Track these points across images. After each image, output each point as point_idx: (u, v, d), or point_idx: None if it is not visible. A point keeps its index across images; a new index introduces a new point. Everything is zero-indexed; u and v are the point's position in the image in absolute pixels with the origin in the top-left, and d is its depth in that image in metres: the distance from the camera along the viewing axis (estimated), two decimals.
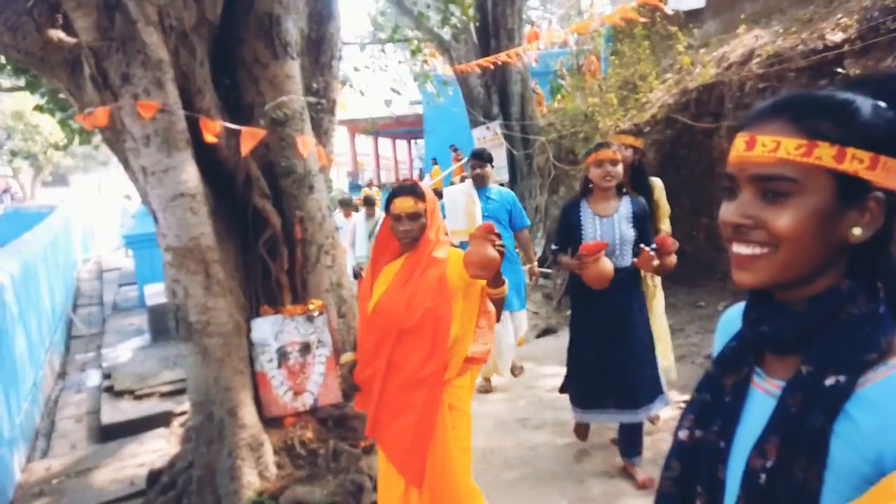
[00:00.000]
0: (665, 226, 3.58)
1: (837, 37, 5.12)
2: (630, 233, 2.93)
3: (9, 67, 4.63)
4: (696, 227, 5.58)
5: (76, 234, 14.54)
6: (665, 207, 3.61)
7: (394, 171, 25.22)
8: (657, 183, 3.60)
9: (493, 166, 4.90)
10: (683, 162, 5.86)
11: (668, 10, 6.75)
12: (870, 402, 0.71)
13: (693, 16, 7.20)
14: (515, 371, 4.90)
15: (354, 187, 16.47)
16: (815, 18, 5.69)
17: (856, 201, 0.73)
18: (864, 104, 0.75)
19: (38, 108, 5.17)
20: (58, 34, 3.26)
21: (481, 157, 4.77)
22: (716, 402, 0.86)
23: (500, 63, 8.01)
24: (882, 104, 0.75)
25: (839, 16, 5.40)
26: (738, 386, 0.84)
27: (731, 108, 5.65)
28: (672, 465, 0.89)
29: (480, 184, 4.65)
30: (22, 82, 4.88)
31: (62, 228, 11.34)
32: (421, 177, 20.68)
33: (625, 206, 2.96)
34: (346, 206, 7.51)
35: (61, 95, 4.13)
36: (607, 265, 2.82)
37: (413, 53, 8.65)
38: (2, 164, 25.35)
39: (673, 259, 2.91)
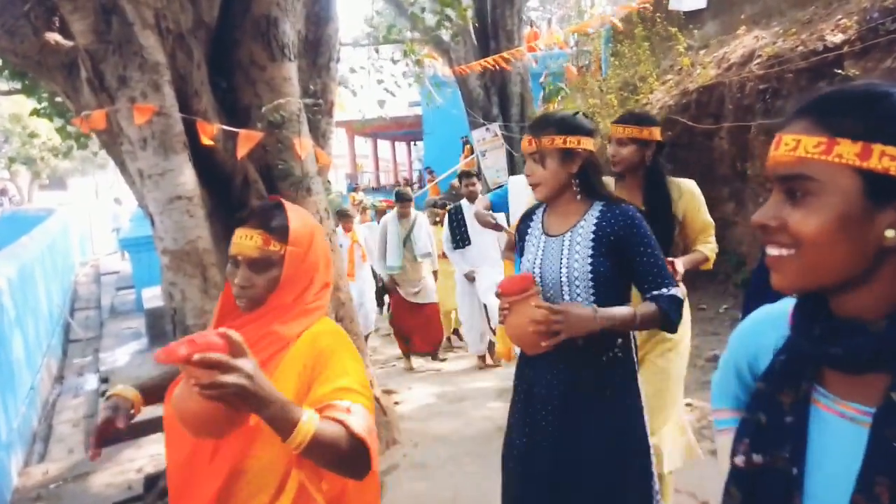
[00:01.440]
0: (706, 249, 2.56)
1: (837, 38, 5.11)
2: (586, 265, 1.76)
3: (6, 71, 4.61)
4: None
5: (74, 237, 14.52)
6: (701, 221, 2.55)
7: (393, 173, 25.22)
8: (685, 187, 2.54)
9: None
10: (683, 163, 5.84)
11: (671, 6, 6.72)
12: None
13: (693, 17, 7.20)
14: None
15: (352, 190, 16.44)
16: (815, 19, 5.68)
17: (890, 201, 0.68)
18: None
19: (36, 113, 5.15)
20: (55, 37, 3.25)
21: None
22: (775, 424, 0.79)
23: (499, 66, 8.00)
24: None
25: (839, 17, 5.39)
26: (798, 405, 0.78)
27: (732, 110, 5.64)
28: (732, 493, 0.82)
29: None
30: (19, 86, 4.87)
31: (60, 232, 11.32)
32: (420, 180, 20.68)
33: (588, 222, 1.81)
34: (345, 218, 6.17)
35: (59, 99, 4.11)
36: (584, 315, 1.67)
37: (405, 54, 8.63)
38: (0, 168, 25.32)
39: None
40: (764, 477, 0.78)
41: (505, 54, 7.56)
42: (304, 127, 3.55)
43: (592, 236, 1.79)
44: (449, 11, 7.19)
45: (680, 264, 2.41)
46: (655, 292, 1.74)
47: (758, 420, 0.81)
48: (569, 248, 1.81)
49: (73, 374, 7.20)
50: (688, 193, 2.53)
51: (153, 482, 3.65)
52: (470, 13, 7.95)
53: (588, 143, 1.84)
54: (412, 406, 4.77)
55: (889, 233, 0.69)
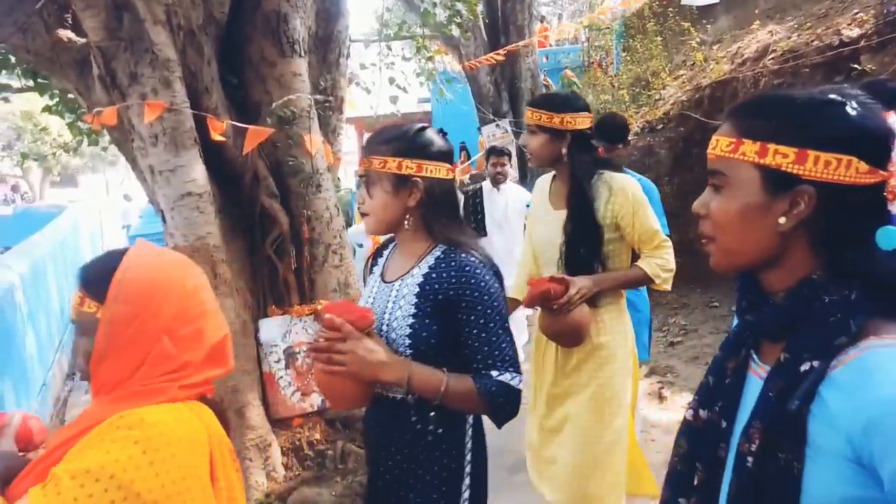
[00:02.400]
0: (648, 265, 2.08)
1: (854, 32, 5.04)
2: (404, 325, 1.40)
3: (19, 69, 4.63)
4: None
5: (84, 234, 14.62)
6: (642, 228, 2.07)
7: None
8: (618, 186, 2.06)
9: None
10: (696, 160, 5.78)
11: (683, 1, 6.65)
12: (839, 383, 0.74)
13: (706, 11, 7.12)
14: None
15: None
16: (831, 13, 5.61)
17: (784, 193, 0.79)
18: (806, 103, 0.81)
19: (48, 109, 5.17)
20: (67, 34, 3.26)
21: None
22: (718, 384, 0.91)
23: (509, 58, 7.94)
24: (848, 103, 0.79)
25: (855, 10, 5.32)
26: (738, 369, 0.89)
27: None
28: (680, 443, 0.94)
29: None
30: (31, 83, 4.88)
31: (71, 228, 11.40)
32: None
33: (420, 270, 1.44)
34: None
35: (70, 96, 4.13)
36: (371, 358, 1.35)
37: (417, 50, 8.59)
38: (11, 165, 25.55)
39: (575, 316, 1.95)
40: (703, 429, 0.90)
41: (515, 46, 7.51)
42: (314, 123, 3.54)
43: (417, 290, 1.41)
44: (460, 6, 7.15)
45: (581, 284, 1.98)
46: (484, 373, 1.36)
47: (708, 382, 0.94)
48: (394, 302, 1.44)
49: None
50: (620, 194, 2.04)
51: None
52: (480, 8, 7.90)
53: (435, 169, 1.44)
54: None
55: (782, 220, 0.80)
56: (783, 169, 0.79)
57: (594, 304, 2.07)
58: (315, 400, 3.45)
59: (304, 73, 3.52)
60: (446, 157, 1.51)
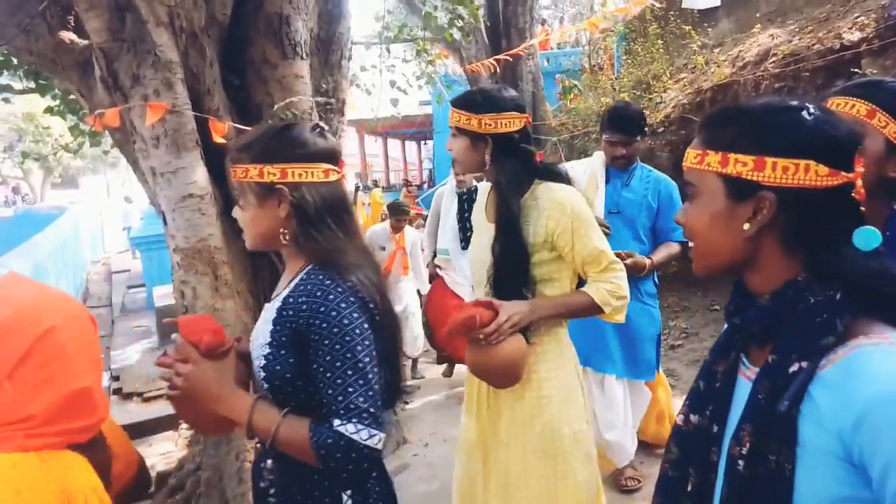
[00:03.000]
0: (594, 290, 1.76)
1: (855, 36, 5.05)
2: (260, 355, 1.26)
3: (21, 70, 4.63)
4: None
5: (85, 235, 14.62)
6: (583, 248, 1.74)
7: (403, 171, 25.23)
8: (553, 198, 1.75)
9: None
10: None
11: (685, 4, 6.66)
12: (828, 382, 0.75)
13: (707, 14, 7.13)
14: None
15: (367, 188, 16.38)
16: (832, 17, 5.61)
17: (747, 200, 0.83)
18: (763, 111, 0.84)
19: (49, 111, 5.18)
20: (69, 36, 3.26)
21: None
22: (708, 389, 0.92)
23: (510, 62, 7.94)
24: (804, 109, 0.81)
25: (856, 14, 5.32)
26: (727, 373, 0.90)
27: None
28: (671, 449, 0.95)
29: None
30: (33, 85, 4.89)
31: (71, 230, 11.40)
32: (430, 178, 20.66)
33: (285, 293, 1.29)
34: (398, 214, 4.96)
35: (72, 97, 4.13)
36: (204, 386, 1.26)
37: (418, 53, 8.59)
38: (13, 166, 25.54)
39: (506, 350, 1.65)
40: (694, 434, 0.91)
41: (517, 49, 7.51)
42: None
43: (275, 316, 1.24)
44: (461, 10, 7.16)
45: (513, 310, 1.66)
46: (326, 421, 1.16)
47: (698, 387, 0.94)
48: (262, 326, 1.29)
49: None
50: (555, 209, 1.72)
51: (163, 480, 3.66)
52: (482, 12, 7.90)
53: (305, 173, 1.26)
54: (422, 406, 4.75)
55: (746, 226, 0.83)
56: (743, 177, 0.82)
57: (530, 335, 1.73)
58: None
59: (306, 76, 3.53)
60: (324, 156, 1.30)
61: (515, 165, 1.78)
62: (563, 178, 1.81)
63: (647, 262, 2.76)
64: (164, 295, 7.59)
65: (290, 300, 1.22)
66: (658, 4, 7.01)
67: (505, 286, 1.75)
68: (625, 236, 2.88)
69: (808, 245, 0.83)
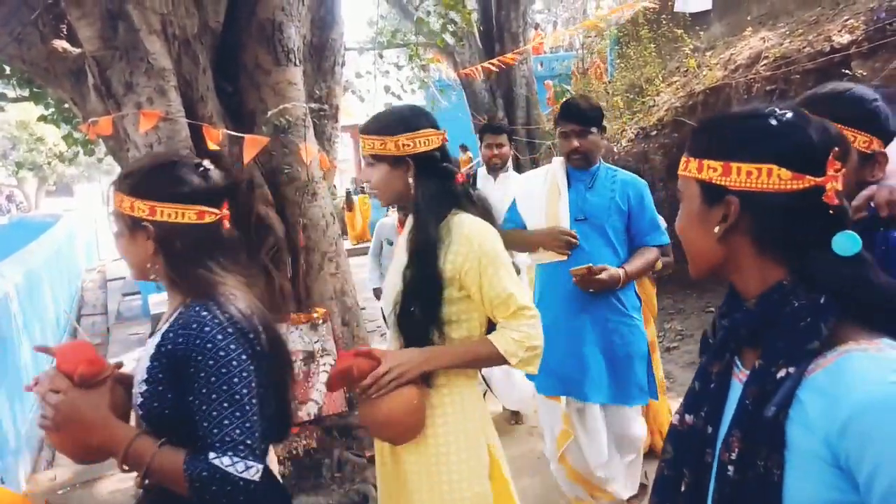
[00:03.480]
0: (500, 339, 1.55)
1: (844, 38, 5.09)
2: (137, 393, 1.26)
3: (14, 78, 4.63)
4: None
5: (80, 243, 14.57)
6: (490, 289, 1.54)
7: None
8: (463, 232, 1.56)
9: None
10: None
11: (676, 8, 6.71)
12: (817, 387, 0.76)
13: (699, 18, 7.18)
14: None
15: (356, 194, 16.43)
16: (822, 20, 5.66)
17: (717, 204, 0.86)
18: (733, 118, 0.88)
19: (43, 119, 5.18)
20: (62, 44, 3.26)
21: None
22: (703, 389, 0.92)
23: (504, 67, 7.98)
24: (770, 116, 0.84)
25: (846, 17, 5.37)
26: (721, 374, 0.91)
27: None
28: (667, 449, 0.96)
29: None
30: (27, 93, 4.89)
31: (66, 238, 11.37)
32: None
33: (163, 328, 1.29)
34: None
35: (66, 105, 4.13)
36: (75, 416, 1.26)
37: (410, 58, 8.62)
38: (7, 174, 25.47)
39: (389, 405, 1.50)
40: (689, 435, 0.92)
41: (510, 55, 7.54)
42: (309, 132, 3.54)
43: (153, 352, 1.23)
44: (453, 15, 7.19)
45: (399, 360, 1.51)
46: (204, 450, 1.15)
47: (694, 387, 0.95)
48: (141, 363, 1.27)
49: None
50: (462, 242, 1.52)
51: None
52: (475, 16, 7.93)
53: (175, 213, 1.25)
54: None
55: (716, 229, 0.87)
56: (713, 182, 0.86)
57: (429, 383, 1.57)
58: (311, 408, 3.44)
59: (300, 82, 3.53)
60: (201, 198, 1.28)
61: (437, 187, 1.61)
62: (481, 208, 1.64)
63: (621, 273, 2.48)
64: (159, 302, 7.57)
65: (170, 334, 1.21)
66: (650, 4, 7.05)
67: (411, 322, 1.56)
68: (595, 244, 2.57)
69: (784, 249, 0.84)
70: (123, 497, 4.11)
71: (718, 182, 0.85)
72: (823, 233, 0.81)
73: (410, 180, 1.61)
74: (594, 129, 2.57)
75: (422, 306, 1.55)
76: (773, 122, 0.83)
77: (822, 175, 0.80)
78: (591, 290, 2.46)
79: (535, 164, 8.73)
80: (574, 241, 2.54)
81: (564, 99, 3.55)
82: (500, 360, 1.54)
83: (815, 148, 0.82)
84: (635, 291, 2.66)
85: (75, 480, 4.44)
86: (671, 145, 6.06)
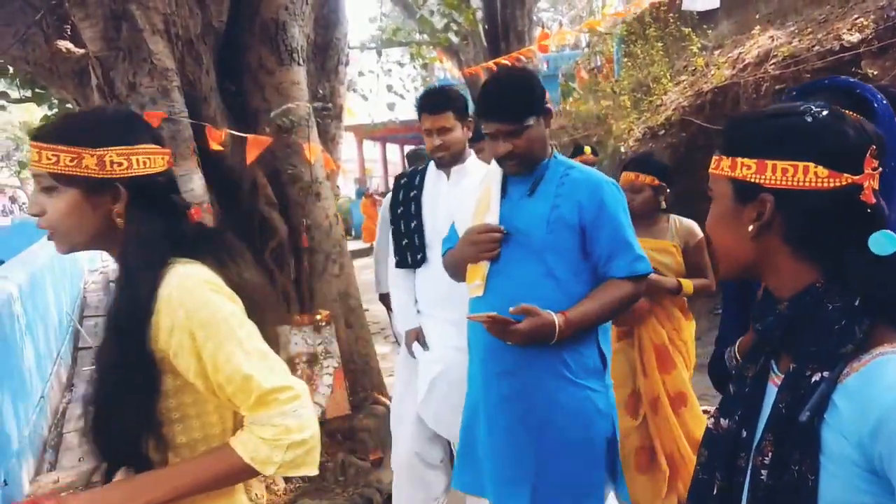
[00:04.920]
0: (244, 446, 1.05)
1: (854, 37, 5.03)
2: None
3: (17, 79, 4.62)
4: None
5: None
6: (216, 371, 1.05)
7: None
8: (171, 300, 1.06)
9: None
10: (699, 165, 5.74)
11: (684, 6, 6.66)
12: (851, 391, 0.75)
13: (707, 16, 7.11)
14: None
15: (361, 194, 16.49)
16: (832, 18, 5.60)
17: (751, 203, 0.84)
18: (768, 115, 0.85)
19: (46, 120, 5.17)
20: (66, 45, 3.26)
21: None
22: (738, 393, 0.91)
23: (509, 66, 7.93)
24: (807, 112, 0.82)
25: (856, 16, 5.31)
26: (757, 378, 0.90)
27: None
28: (702, 452, 0.95)
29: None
30: (30, 94, 4.88)
31: None
32: None
33: None
34: None
35: (69, 106, 4.12)
36: None
37: (412, 57, 8.58)
38: (10, 175, 25.55)
39: None
40: (723, 438, 0.90)
41: (516, 54, 7.50)
42: (313, 131, 3.52)
43: None
44: (456, 15, 7.16)
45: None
46: None
47: (729, 390, 0.94)
48: None
49: (82, 382, 7.20)
50: (164, 310, 1.05)
51: None
52: (480, 14, 7.89)
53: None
54: None
55: (749, 228, 0.84)
56: (747, 180, 0.84)
57: None
58: (315, 411, 3.41)
59: (303, 82, 3.50)
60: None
61: (156, 227, 1.12)
62: (215, 253, 1.15)
63: (556, 322, 1.66)
64: None
65: None
66: (658, 6, 7.00)
67: (109, 432, 1.08)
68: (522, 271, 1.76)
69: (819, 249, 0.82)
70: None
71: (752, 180, 0.83)
72: (859, 233, 0.79)
73: (119, 219, 1.11)
74: (531, 121, 1.74)
75: (126, 405, 1.06)
76: (809, 118, 0.82)
77: (859, 173, 0.79)
78: (510, 343, 1.69)
79: None
80: (497, 234, 1.80)
81: (571, 98, 3.36)
82: (249, 472, 1.05)
83: (853, 146, 0.80)
84: (598, 345, 1.81)
85: (79, 483, 4.42)
86: (678, 145, 6.01)
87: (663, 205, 2.67)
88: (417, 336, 2.48)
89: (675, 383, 2.57)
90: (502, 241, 1.82)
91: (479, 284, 1.83)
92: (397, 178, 2.73)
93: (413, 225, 2.50)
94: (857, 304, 0.78)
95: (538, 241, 1.77)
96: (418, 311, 2.53)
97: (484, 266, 1.83)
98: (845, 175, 0.79)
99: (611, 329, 1.98)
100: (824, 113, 0.82)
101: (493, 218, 1.85)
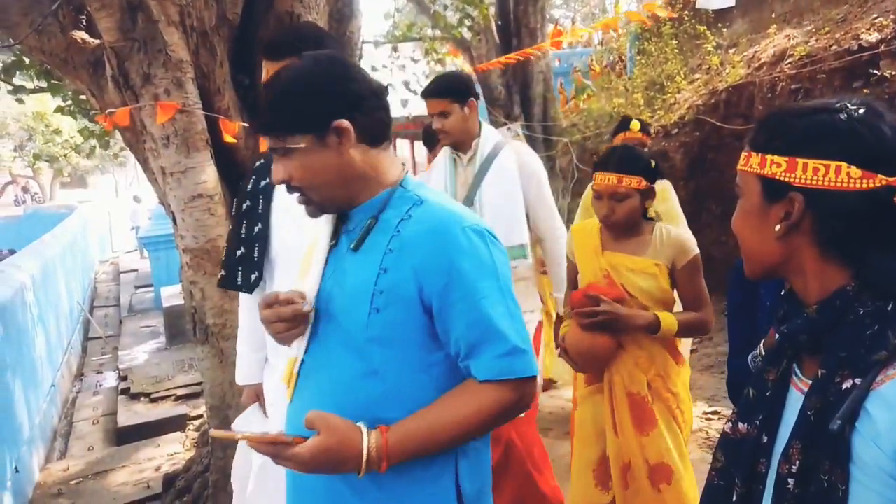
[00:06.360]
0: None
1: (873, 37, 4.97)
2: None
3: (32, 70, 4.64)
4: (725, 231, 5.43)
5: (93, 235, 14.68)
6: None
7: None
8: None
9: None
10: (712, 164, 5.71)
11: (699, 4, 6.60)
12: (886, 399, 0.72)
13: (722, 15, 7.06)
14: None
15: None
16: (850, 18, 5.53)
17: (779, 201, 0.82)
18: (800, 112, 0.83)
19: (60, 110, 5.19)
20: (81, 35, 3.26)
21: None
22: (758, 397, 0.89)
23: (521, 61, 7.88)
24: (841, 111, 0.79)
25: (874, 15, 5.24)
26: (779, 382, 0.87)
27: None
28: (718, 457, 0.93)
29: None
30: (45, 84, 4.90)
31: (80, 230, 11.44)
32: None
33: None
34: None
35: (83, 97, 4.13)
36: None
37: (426, 53, 8.54)
38: (23, 166, 25.73)
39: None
40: (742, 443, 0.88)
41: (528, 50, 7.45)
42: None
43: None
44: (470, 10, 7.11)
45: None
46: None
47: (748, 394, 0.91)
48: None
49: (92, 371, 7.25)
50: None
51: (171, 481, 3.64)
52: (492, 11, 7.85)
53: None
54: None
55: (777, 227, 0.82)
56: (777, 178, 0.82)
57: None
58: None
59: None
60: None
61: None
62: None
63: (360, 446, 1.09)
64: (172, 295, 7.59)
65: None
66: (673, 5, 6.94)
67: None
68: (336, 366, 1.18)
69: (848, 251, 0.80)
70: (134, 489, 4.12)
71: (782, 178, 0.81)
72: (892, 235, 0.77)
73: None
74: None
75: None
76: (844, 116, 0.79)
77: (894, 175, 0.76)
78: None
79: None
80: (301, 309, 1.19)
81: (585, 96, 3.24)
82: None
83: (889, 146, 0.77)
84: (456, 483, 1.21)
85: (88, 472, 4.46)
86: (692, 143, 5.96)
87: (651, 213, 2.09)
88: (257, 396, 1.91)
89: (656, 449, 1.95)
90: (317, 318, 1.21)
91: (287, 384, 1.26)
92: (253, 160, 2.11)
93: (256, 230, 1.81)
94: (889, 308, 0.75)
95: (355, 327, 1.15)
96: (266, 360, 1.88)
97: (295, 356, 1.25)
98: (880, 176, 0.76)
99: (489, 450, 1.30)
100: (861, 111, 0.79)
101: (311, 281, 1.23)
